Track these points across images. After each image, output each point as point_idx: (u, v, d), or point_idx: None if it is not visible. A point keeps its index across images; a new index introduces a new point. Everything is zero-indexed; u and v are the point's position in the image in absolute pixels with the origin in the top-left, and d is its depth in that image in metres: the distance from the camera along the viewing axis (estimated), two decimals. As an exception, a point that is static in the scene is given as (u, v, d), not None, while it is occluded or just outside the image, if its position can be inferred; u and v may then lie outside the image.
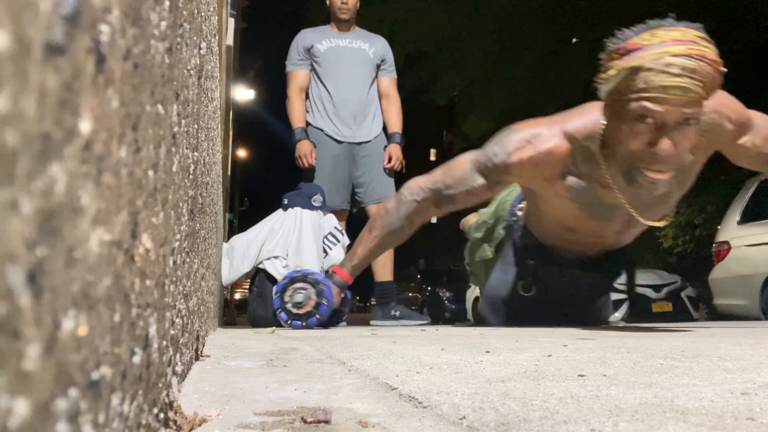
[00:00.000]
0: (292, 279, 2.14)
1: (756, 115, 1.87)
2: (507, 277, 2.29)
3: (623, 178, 1.69)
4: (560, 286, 2.24)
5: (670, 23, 1.50)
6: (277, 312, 2.13)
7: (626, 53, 1.50)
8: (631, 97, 1.52)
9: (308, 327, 2.10)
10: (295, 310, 2.10)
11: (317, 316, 2.09)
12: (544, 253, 2.18)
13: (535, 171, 1.81)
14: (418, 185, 1.95)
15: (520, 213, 2.31)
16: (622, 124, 1.58)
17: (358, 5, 3.40)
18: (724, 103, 1.77)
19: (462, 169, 1.90)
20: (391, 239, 2.04)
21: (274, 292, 2.16)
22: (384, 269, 3.22)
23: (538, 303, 2.22)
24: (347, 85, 3.27)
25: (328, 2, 3.40)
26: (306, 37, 3.35)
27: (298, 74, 3.31)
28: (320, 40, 3.31)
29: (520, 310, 2.25)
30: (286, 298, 2.11)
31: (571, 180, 1.83)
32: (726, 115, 1.78)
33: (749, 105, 1.87)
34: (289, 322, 2.11)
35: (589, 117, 1.77)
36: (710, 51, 1.47)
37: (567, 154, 1.78)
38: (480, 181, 1.87)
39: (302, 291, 2.10)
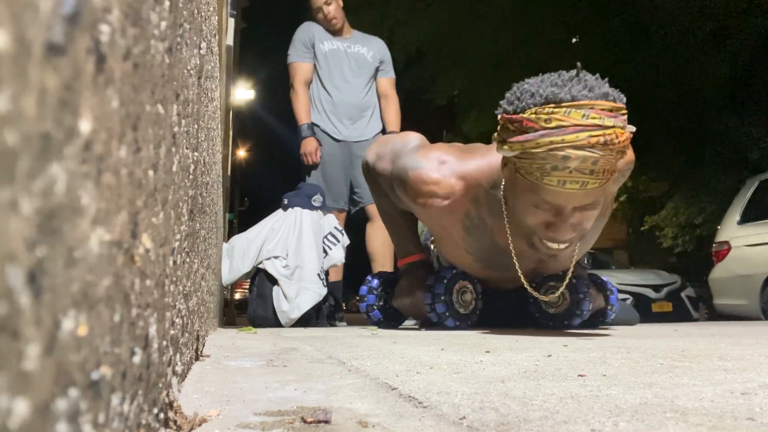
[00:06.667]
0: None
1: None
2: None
3: (523, 238, 1.52)
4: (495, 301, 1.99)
5: (571, 93, 1.24)
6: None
7: (521, 130, 1.30)
8: (527, 178, 1.34)
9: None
10: None
11: None
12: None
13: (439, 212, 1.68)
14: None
15: (432, 246, 2.23)
16: (519, 198, 1.41)
17: (342, 3, 3.37)
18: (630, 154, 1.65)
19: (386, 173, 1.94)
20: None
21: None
22: (383, 269, 3.22)
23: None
24: (345, 88, 3.27)
25: (316, 19, 3.37)
26: (312, 31, 3.31)
27: (302, 66, 3.25)
28: (322, 40, 3.30)
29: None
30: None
31: (468, 223, 1.68)
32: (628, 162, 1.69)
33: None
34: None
35: (489, 162, 1.61)
36: (617, 130, 1.25)
37: (469, 196, 1.64)
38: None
39: None
